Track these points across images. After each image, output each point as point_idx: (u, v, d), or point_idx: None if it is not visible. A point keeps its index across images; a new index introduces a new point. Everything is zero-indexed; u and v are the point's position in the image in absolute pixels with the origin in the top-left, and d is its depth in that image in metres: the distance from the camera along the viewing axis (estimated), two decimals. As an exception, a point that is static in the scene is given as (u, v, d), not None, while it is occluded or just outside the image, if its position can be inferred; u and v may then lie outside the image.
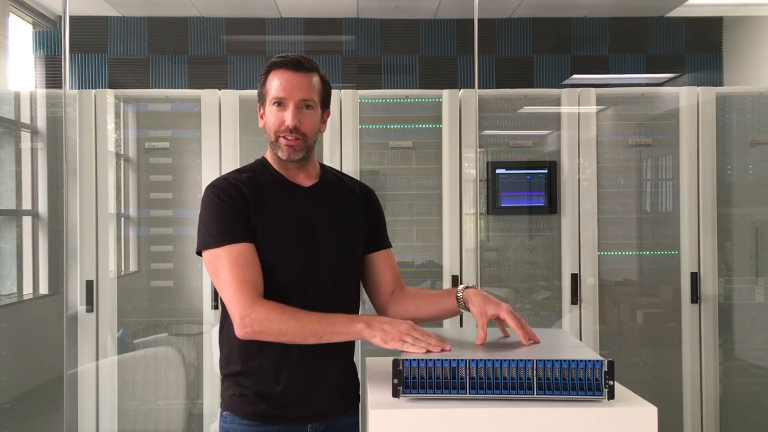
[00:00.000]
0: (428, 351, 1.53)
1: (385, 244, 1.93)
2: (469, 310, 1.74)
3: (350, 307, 1.81)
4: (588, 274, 3.41)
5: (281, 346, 1.71)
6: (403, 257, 3.41)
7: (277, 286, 1.70)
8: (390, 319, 1.62)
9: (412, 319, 1.70)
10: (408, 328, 1.58)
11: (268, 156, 1.85)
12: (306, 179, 1.83)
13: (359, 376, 1.91)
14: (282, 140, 1.75)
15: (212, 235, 1.71)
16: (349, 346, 1.86)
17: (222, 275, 1.67)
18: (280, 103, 1.75)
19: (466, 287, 1.77)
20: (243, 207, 1.73)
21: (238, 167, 1.87)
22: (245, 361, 1.74)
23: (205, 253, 1.72)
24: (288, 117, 1.73)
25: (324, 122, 1.85)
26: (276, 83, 1.75)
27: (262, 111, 1.82)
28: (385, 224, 1.96)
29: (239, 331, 1.65)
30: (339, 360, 1.81)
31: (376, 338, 1.58)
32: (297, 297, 1.69)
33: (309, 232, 1.76)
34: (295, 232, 1.75)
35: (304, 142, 1.76)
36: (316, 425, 1.77)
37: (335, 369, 1.80)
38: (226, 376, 1.79)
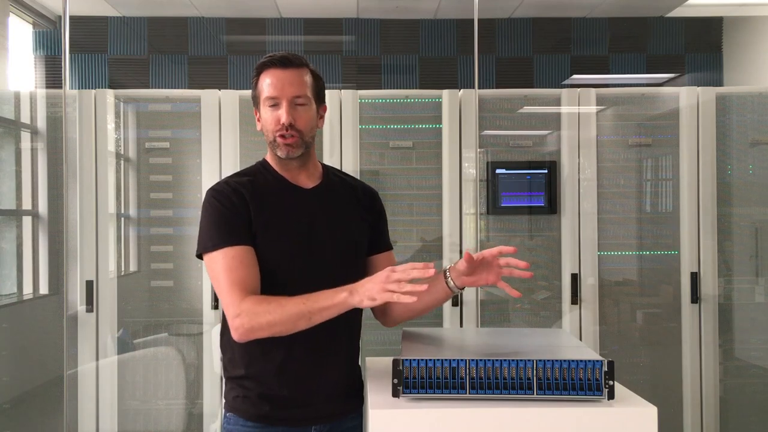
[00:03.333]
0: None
1: (387, 245, 1.93)
2: (460, 287, 1.75)
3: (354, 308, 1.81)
4: (588, 274, 3.40)
5: (284, 349, 1.71)
6: (403, 257, 3.41)
7: (279, 289, 1.69)
8: (369, 278, 1.58)
9: (410, 310, 1.77)
10: (387, 275, 1.53)
11: (269, 158, 1.84)
12: (307, 180, 1.83)
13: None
14: (279, 139, 1.74)
15: (210, 239, 1.71)
16: (353, 347, 1.86)
17: (218, 278, 1.68)
18: (274, 103, 1.75)
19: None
20: (242, 211, 1.72)
21: (239, 170, 1.87)
22: (248, 364, 1.74)
23: (204, 257, 1.73)
24: (282, 115, 1.73)
25: (321, 117, 1.85)
26: (267, 83, 1.75)
27: (258, 114, 1.82)
28: (387, 226, 1.96)
29: (234, 334, 1.65)
30: (342, 362, 1.81)
31: (364, 301, 1.55)
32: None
33: (311, 234, 1.76)
34: (297, 234, 1.75)
35: (301, 138, 1.76)
36: (320, 427, 1.77)
37: (339, 371, 1.79)
38: (230, 379, 1.79)
